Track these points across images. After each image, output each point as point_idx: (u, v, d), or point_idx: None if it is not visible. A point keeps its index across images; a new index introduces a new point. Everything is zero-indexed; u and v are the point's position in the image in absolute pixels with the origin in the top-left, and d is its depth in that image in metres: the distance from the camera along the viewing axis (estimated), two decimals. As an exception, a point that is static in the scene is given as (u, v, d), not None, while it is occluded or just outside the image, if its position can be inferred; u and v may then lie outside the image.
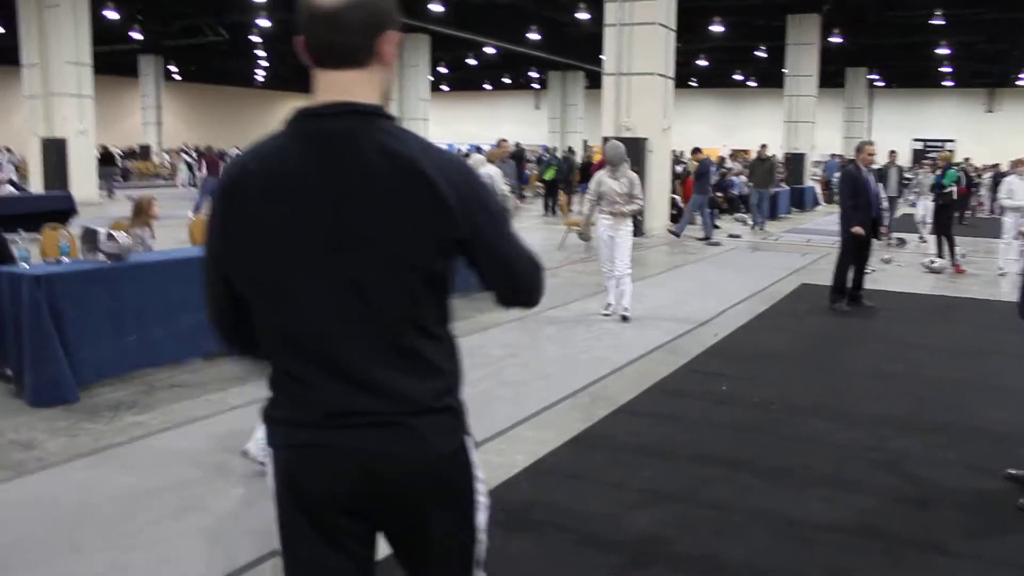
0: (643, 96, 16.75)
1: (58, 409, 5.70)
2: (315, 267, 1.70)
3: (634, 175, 9.21)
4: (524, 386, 6.60)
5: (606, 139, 16.88)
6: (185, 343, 6.71)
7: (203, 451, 5.01)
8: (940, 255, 13.76)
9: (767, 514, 4.32)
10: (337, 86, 1.75)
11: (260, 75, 47.33)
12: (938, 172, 14.80)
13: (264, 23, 27.50)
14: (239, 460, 4.83)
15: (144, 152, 40.16)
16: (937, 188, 14.20)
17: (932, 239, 17.15)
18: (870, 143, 10.28)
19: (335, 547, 1.80)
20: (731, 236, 18.19)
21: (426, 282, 1.73)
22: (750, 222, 20.28)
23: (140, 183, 32.75)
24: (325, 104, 1.75)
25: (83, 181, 21.62)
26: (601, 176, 9.14)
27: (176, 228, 12.73)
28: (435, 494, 1.81)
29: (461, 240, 1.74)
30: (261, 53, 37.68)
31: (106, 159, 27.29)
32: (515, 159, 22.14)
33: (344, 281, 1.69)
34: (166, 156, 37.85)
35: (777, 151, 32.08)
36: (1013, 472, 4.92)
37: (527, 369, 7.10)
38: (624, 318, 9.12)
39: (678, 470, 4.90)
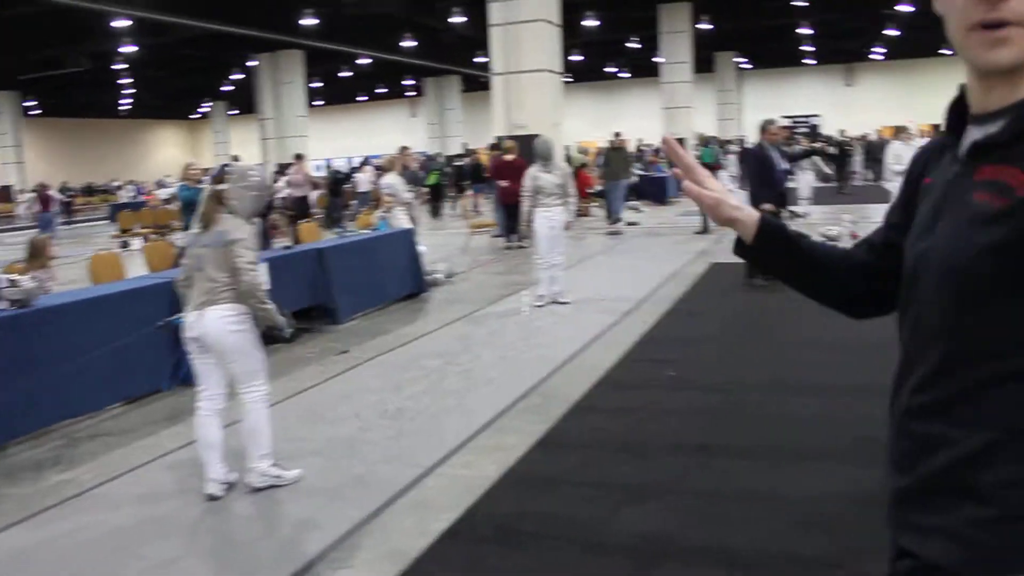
0: (533, 93, 16.72)
1: (-30, 476, 5.17)
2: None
3: (565, 166, 9.52)
4: (470, 394, 6.37)
5: (499, 139, 16.82)
6: (103, 389, 6.23)
7: (150, 502, 4.59)
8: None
9: (758, 496, 4.22)
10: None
11: (126, 105, 45.45)
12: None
13: (129, 50, 26.30)
14: (192, 506, 4.47)
15: (4, 193, 38.04)
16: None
17: (816, 209, 17.80)
18: (775, 121, 10.43)
19: None
20: (629, 224, 18.33)
21: None
22: (622, 212, 19.77)
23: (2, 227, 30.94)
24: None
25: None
26: (535, 172, 9.36)
27: (60, 268, 11.96)
28: None
29: None
30: (126, 81, 36.13)
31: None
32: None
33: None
34: (31, 196, 35.83)
35: (657, 137, 32.63)
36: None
37: (468, 376, 6.87)
38: (560, 303, 9.55)
39: (654, 462, 4.77)
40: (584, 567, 3.59)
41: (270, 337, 4.82)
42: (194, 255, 4.63)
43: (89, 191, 42.08)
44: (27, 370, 5.70)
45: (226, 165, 5.03)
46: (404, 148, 13.71)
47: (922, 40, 35.35)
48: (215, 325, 4.51)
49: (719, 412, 5.62)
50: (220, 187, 4.71)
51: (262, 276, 4.72)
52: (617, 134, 19.88)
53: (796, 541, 3.72)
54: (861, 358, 6.69)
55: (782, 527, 3.86)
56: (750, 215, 1.62)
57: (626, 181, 19.21)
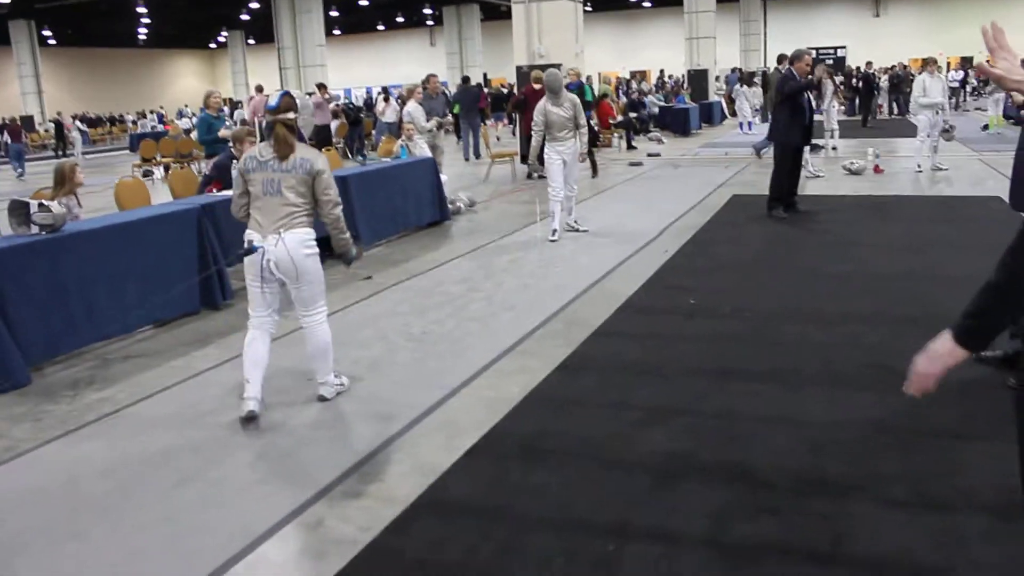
0: (554, 22, 16.57)
1: (10, 395, 5.32)
2: None
3: (575, 98, 9.30)
4: (493, 319, 6.48)
5: (519, 68, 16.69)
6: (134, 312, 6.36)
7: (184, 419, 4.75)
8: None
9: (775, 419, 4.32)
10: None
11: (143, 34, 45.17)
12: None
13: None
14: (225, 423, 4.63)
15: (27, 123, 38.11)
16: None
17: (842, 143, 17.55)
18: (808, 52, 10.23)
19: None
20: (650, 155, 18.25)
21: None
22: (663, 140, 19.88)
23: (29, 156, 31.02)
24: None
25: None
26: (544, 105, 9.14)
27: (86, 197, 12.06)
28: None
29: None
30: (142, 10, 35.86)
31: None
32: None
33: None
34: (53, 126, 35.83)
35: (679, 68, 32.20)
36: (985, 354, 5.02)
37: (491, 302, 6.97)
38: (577, 230, 9.73)
39: (673, 385, 4.87)
40: (605, 482, 3.71)
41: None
42: (266, 179, 4.60)
43: (110, 121, 42.06)
44: (60, 293, 5.84)
45: (287, 92, 5.04)
46: (432, 75, 13.58)
47: (953, -32, 34.58)
48: (295, 249, 4.59)
49: (737, 338, 5.70)
50: (289, 115, 4.66)
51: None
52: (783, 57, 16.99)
53: (814, 462, 3.81)
54: (874, 290, 6.76)
55: (800, 448, 3.96)
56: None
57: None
